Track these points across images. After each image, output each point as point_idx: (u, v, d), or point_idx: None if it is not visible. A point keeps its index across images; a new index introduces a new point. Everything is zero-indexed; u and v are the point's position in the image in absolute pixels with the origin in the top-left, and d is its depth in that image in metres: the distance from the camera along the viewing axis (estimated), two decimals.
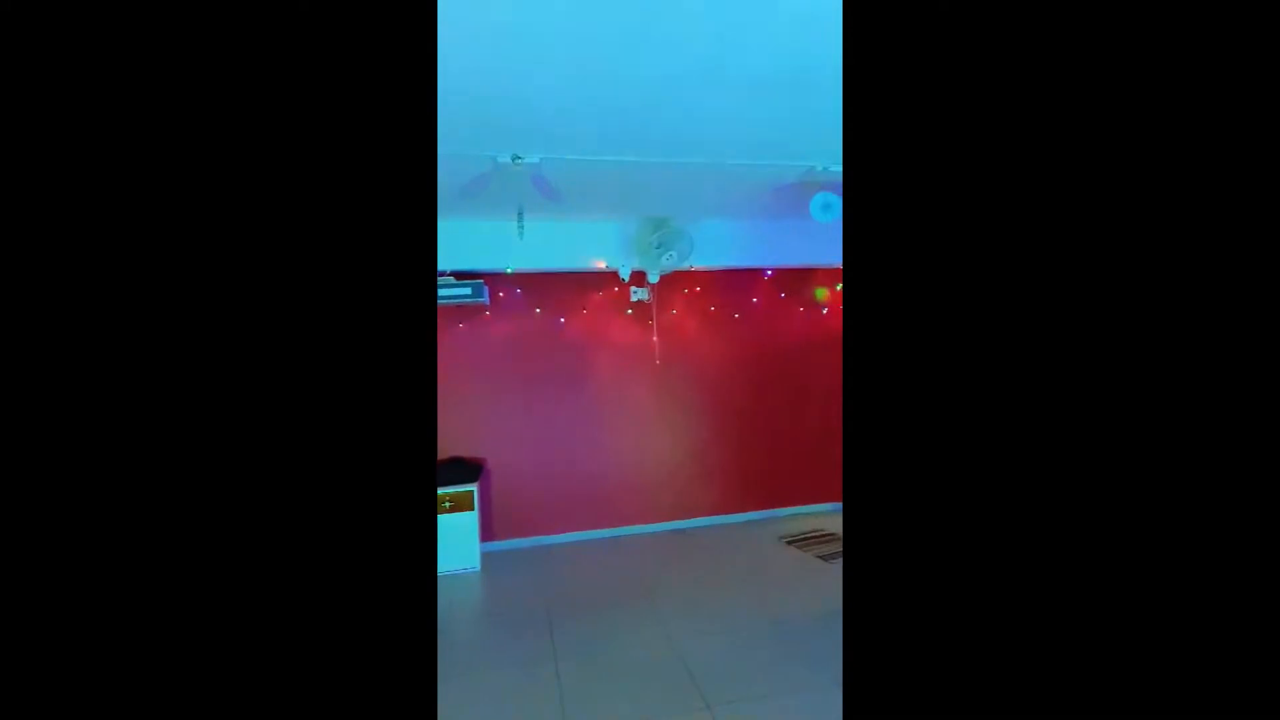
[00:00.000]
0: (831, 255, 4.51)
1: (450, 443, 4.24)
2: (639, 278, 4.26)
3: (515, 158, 2.65)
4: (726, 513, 4.63)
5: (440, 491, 3.85)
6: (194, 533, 0.65)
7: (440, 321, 4.24)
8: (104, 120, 0.63)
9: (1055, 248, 0.61)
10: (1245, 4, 0.56)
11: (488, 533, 4.23)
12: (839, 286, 4.72)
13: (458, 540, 3.86)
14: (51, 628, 0.61)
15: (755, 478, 4.67)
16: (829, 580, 3.37)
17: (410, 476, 0.74)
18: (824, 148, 2.78)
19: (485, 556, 4.05)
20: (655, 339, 4.45)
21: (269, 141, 0.70)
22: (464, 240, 3.82)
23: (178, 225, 0.66)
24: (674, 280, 4.41)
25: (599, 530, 4.39)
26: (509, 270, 4.06)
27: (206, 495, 0.66)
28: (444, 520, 3.85)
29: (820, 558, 3.73)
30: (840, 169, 3.06)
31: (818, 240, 4.37)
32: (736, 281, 4.59)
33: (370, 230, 0.73)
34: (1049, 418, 0.63)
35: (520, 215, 3.37)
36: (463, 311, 4.26)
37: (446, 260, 3.81)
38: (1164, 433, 0.60)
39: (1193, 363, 0.59)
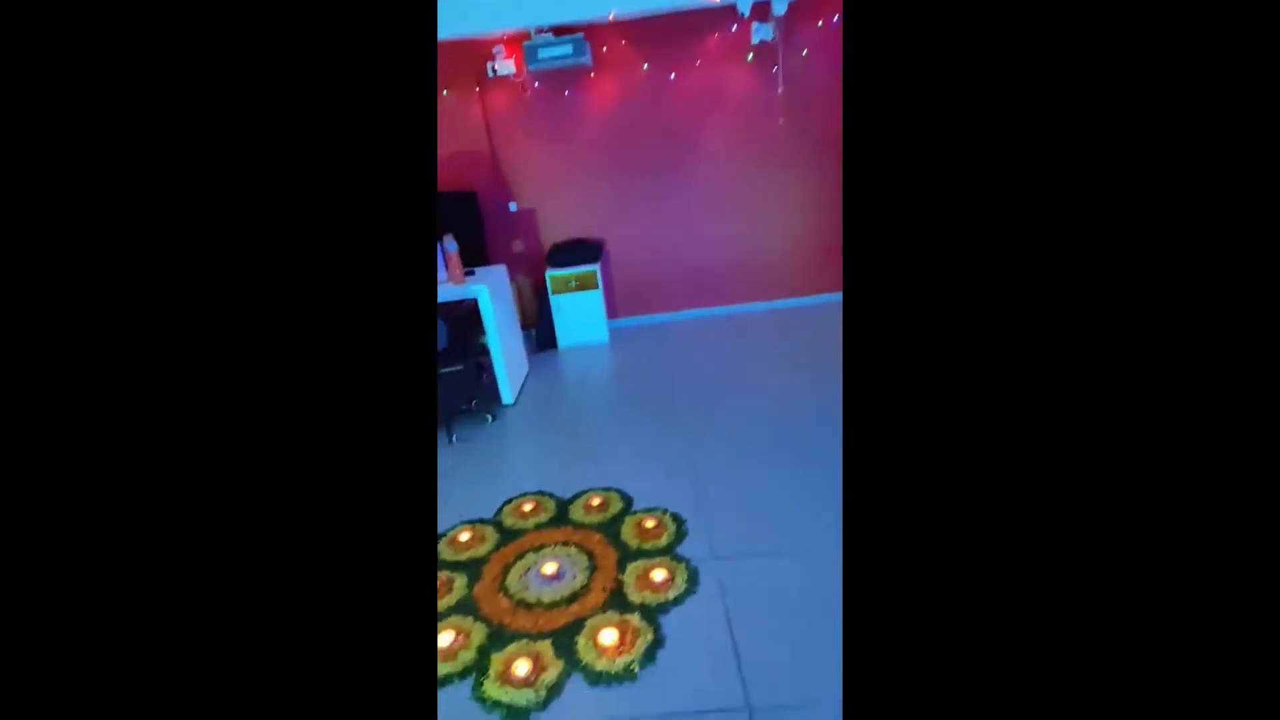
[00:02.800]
0: None
1: (568, 223, 4.24)
2: (762, 10, 3.53)
3: None
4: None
5: (566, 272, 3.98)
6: (186, 515, 0.62)
7: (545, 89, 3.94)
8: (110, 109, 0.63)
9: (1056, 250, 0.62)
10: (1246, 8, 0.56)
11: (611, 311, 4.40)
12: None
13: (586, 316, 4.08)
14: (42, 599, 0.61)
15: None
16: None
17: (412, 465, 0.65)
18: None
19: (612, 332, 4.28)
20: (779, 90, 3.83)
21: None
22: None
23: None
24: (806, 9, 3.60)
25: (717, 307, 4.39)
26: (609, 16, 3.52)
27: (202, 478, 0.63)
28: (571, 298, 4.04)
29: None
30: None
31: None
32: None
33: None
34: (1050, 412, 0.63)
35: None
36: (566, 76, 3.88)
37: (535, 14, 3.37)
38: (1161, 429, 0.61)
39: (1189, 362, 0.60)
